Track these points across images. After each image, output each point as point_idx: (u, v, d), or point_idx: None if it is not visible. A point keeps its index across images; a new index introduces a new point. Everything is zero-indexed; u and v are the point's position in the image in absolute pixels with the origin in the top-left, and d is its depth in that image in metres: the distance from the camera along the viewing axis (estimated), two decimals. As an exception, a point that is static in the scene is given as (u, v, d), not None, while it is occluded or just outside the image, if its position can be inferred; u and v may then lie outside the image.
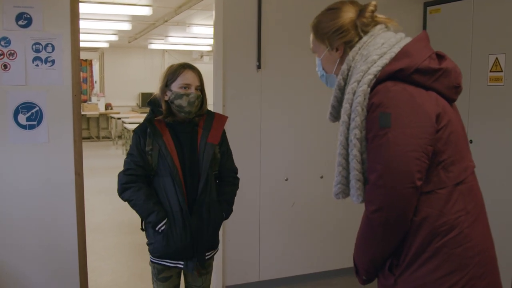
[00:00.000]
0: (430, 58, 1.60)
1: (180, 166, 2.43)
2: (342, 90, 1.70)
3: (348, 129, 1.62)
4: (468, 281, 1.54)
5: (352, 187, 1.62)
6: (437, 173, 1.55)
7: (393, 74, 1.56)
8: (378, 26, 1.70)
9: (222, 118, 2.62)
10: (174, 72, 2.47)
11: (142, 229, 2.62)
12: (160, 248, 2.46)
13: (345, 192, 1.68)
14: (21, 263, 3.30)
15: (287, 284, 4.20)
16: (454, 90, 1.64)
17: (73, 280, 3.43)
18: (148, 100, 2.58)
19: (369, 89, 1.57)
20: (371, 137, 1.54)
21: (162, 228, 2.41)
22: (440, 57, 1.64)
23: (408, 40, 1.65)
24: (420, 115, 1.52)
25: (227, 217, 2.64)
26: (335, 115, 1.78)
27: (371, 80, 1.57)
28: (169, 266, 2.52)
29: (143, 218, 2.48)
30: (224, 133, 2.62)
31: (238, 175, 2.71)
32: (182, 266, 2.51)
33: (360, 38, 1.69)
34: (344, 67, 1.68)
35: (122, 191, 2.47)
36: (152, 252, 2.53)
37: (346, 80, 1.68)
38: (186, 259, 2.49)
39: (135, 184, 2.44)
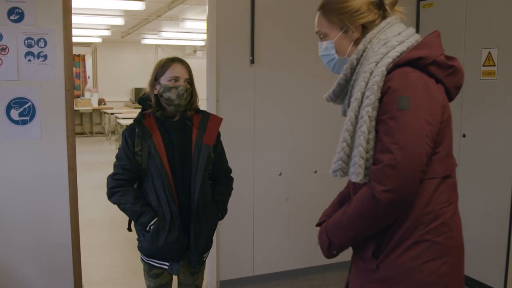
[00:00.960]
0: (444, 55, 1.67)
1: (169, 167, 2.42)
2: (353, 69, 1.70)
3: (359, 106, 1.62)
4: (446, 269, 1.61)
5: (354, 164, 1.61)
6: (432, 163, 1.59)
7: (412, 61, 1.60)
8: (394, 16, 1.73)
9: (217, 119, 2.60)
10: (163, 66, 2.45)
11: (129, 229, 2.62)
12: (148, 247, 2.45)
13: (343, 170, 1.67)
14: (14, 258, 3.29)
15: (281, 278, 4.21)
16: (456, 90, 1.72)
17: (66, 275, 3.42)
18: (139, 98, 2.56)
19: (386, 71, 1.59)
20: (386, 118, 1.56)
21: (152, 227, 2.40)
22: (448, 57, 1.69)
23: (418, 35, 1.70)
24: (433, 104, 1.58)
25: (222, 218, 2.64)
26: (338, 94, 1.78)
27: (389, 63, 1.60)
28: (155, 265, 2.51)
29: (133, 221, 2.47)
30: (219, 134, 2.61)
31: (232, 170, 2.71)
32: (167, 268, 2.49)
33: (382, 18, 1.72)
34: (360, 47, 1.69)
35: (110, 195, 2.47)
36: (140, 249, 2.53)
37: (359, 60, 1.69)
38: (172, 260, 2.47)
39: (122, 188, 2.43)
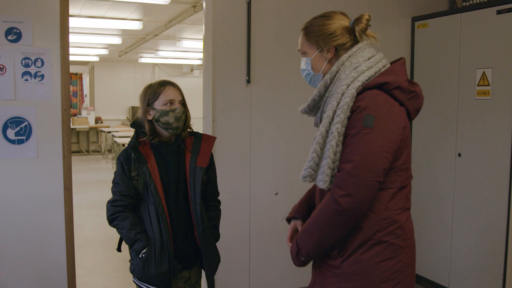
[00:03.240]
0: (407, 81, 1.89)
1: (163, 194, 2.42)
2: (327, 87, 1.92)
3: (330, 123, 1.83)
4: (400, 267, 1.85)
5: (321, 172, 1.83)
6: (389, 175, 1.82)
7: (379, 85, 1.83)
8: (365, 42, 1.95)
9: (210, 139, 2.59)
10: (155, 91, 2.43)
11: (118, 249, 2.61)
12: (140, 272, 2.44)
13: (312, 176, 1.89)
14: (9, 278, 3.27)
15: (278, 298, 4.18)
16: (416, 112, 1.95)
17: (61, 296, 3.40)
18: (131, 122, 2.56)
19: (356, 93, 1.81)
20: (353, 133, 1.77)
21: (143, 255, 2.40)
22: (411, 82, 1.92)
23: (386, 60, 1.94)
24: (395, 124, 1.81)
25: (217, 241, 2.65)
26: (312, 108, 2.00)
27: (359, 87, 1.83)
28: None
29: (128, 246, 2.47)
30: (211, 155, 2.60)
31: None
32: None
33: (354, 42, 1.94)
34: (334, 68, 1.90)
35: (111, 222, 2.48)
36: (132, 272, 2.52)
37: (332, 80, 1.90)
38: (163, 286, 2.46)
39: (121, 213, 2.43)
